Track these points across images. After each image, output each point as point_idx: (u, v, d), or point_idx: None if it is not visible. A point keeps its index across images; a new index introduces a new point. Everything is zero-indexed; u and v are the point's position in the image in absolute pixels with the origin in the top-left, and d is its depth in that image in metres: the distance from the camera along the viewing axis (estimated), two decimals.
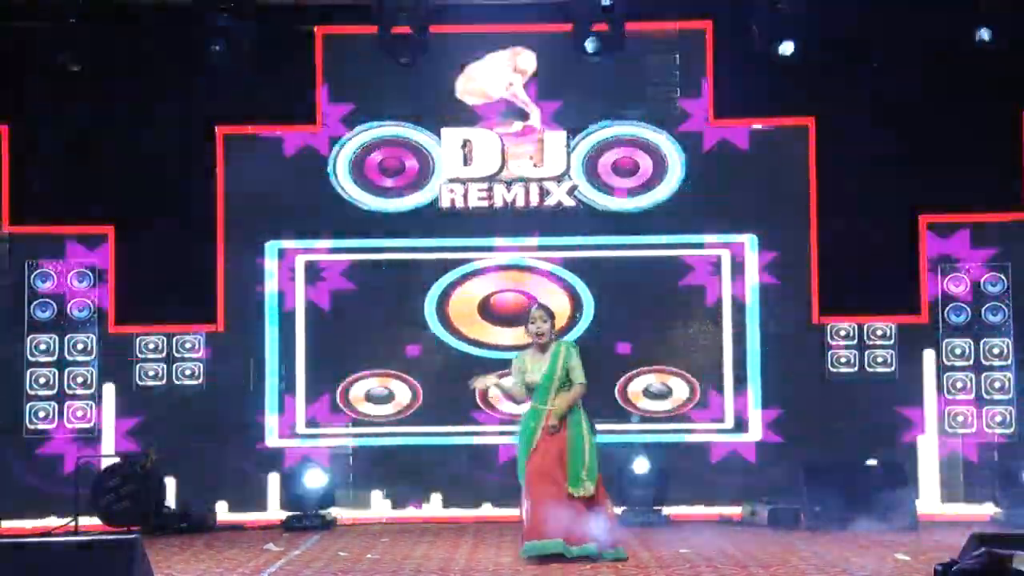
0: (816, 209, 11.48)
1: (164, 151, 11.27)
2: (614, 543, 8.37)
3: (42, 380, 11.43)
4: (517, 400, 8.76)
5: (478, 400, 11.36)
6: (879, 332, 11.44)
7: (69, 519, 10.71)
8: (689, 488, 11.30)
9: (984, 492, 11.06)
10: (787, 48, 10.87)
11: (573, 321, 11.50)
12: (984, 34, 10.60)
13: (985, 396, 11.35)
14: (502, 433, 11.21)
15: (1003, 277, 11.42)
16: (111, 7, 11.11)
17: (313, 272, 11.59)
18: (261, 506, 11.35)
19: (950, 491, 11.27)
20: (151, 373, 11.45)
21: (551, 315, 8.53)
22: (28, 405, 11.40)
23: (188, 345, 11.48)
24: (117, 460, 10.91)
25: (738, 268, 11.52)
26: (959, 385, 11.36)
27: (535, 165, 11.62)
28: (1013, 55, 10.81)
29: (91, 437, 11.36)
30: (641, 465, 10.90)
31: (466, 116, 11.65)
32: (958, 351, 11.39)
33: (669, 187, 11.62)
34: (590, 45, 10.93)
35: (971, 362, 11.39)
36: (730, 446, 11.43)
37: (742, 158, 11.58)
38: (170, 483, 11.04)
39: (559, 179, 11.62)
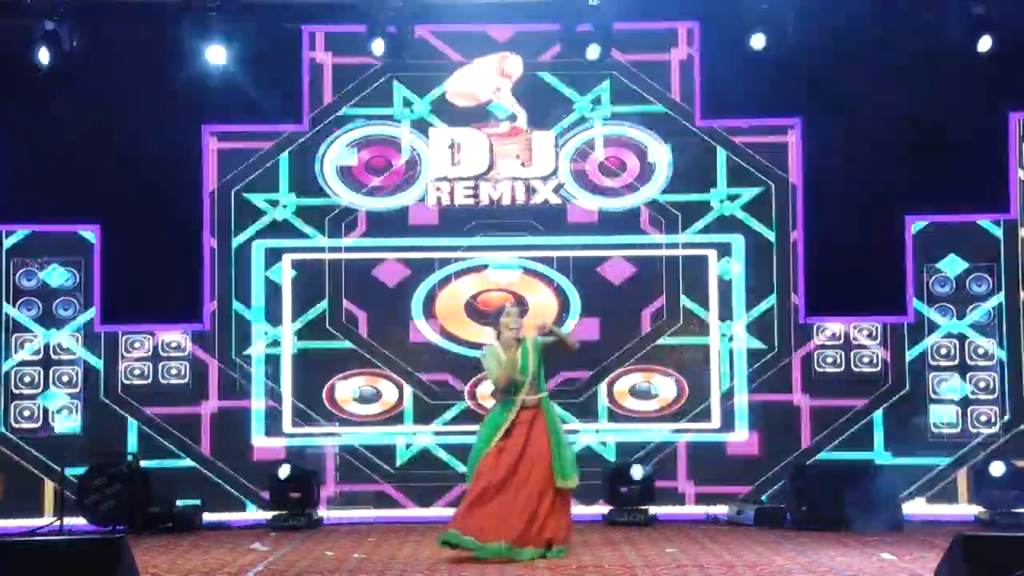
0: (803, 209, 11.51)
1: (151, 149, 11.21)
2: (564, 540, 8.53)
3: (27, 379, 11.40)
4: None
5: (466, 398, 11.37)
6: (865, 332, 11.47)
7: (54, 519, 10.67)
8: (676, 487, 11.32)
9: (969, 492, 11.09)
10: (759, 42, 10.88)
11: (560, 320, 11.50)
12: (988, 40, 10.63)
13: (970, 396, 11.39)
14: None
15: (988, 278, 11.46)
16: (99, 5, 11.06)
17: (300, 270, 11.58)
18: (247, 505, 11.33)
19: (935, 491, 11.30)
20: (136, 372, 11.43)
21: (521, 311, 8.88)
22: (12, 404, 11.37)
23: (174, 344, 11.47)
24: (103, 459, 10.87)
25: (725, 267, 11.53)
26: (944, 385, 11.40)
27: (523, 164, 11.64)
28: (1001, 57, 10.83)
29: (76, 436, 11.32)
30: (636, 472, 10.91)
31: (454, 116, 11.65)
32: (943, 351, 11.43)
33: (656, 186, 11.63)
34: (592, 52, 10.93)
35: (956, 362, 11.43)
36: (716, 446, 11.45)
37: (729, 158, 11.60)
38: (156, 482, 11.01)
39: (546, 178, 11.63)
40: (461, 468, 11.26)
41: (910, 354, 11.39)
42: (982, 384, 11.38)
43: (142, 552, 8.66)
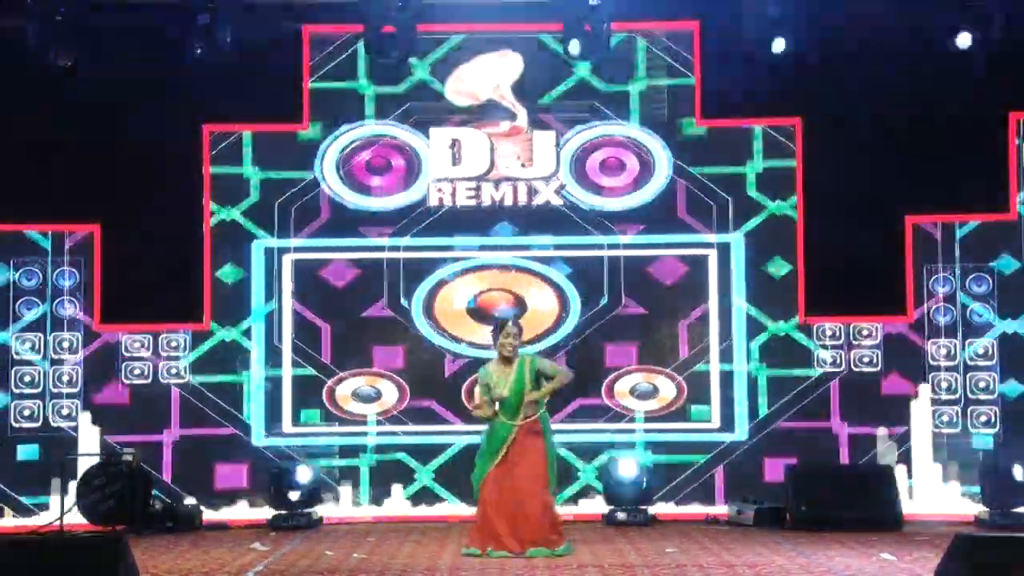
0: (803, 209, 11.51)
1: (150, 149, 11.20)
2: (562, 538, 8.81)
3: (27, 378, 11.40)
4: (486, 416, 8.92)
5: (464, 399, 11.36)
6: (865, 332, 11.47)
7: (55, 518, 10.67)
8: (675, 488, 11.32)
9: (968, 492, 11.10)
10: (777, 46, 10.88)
11: (560, 320, 11.51)
12: (969, 37, 10.62)
13: (970, 396, 11.39)
14: None
15: (988, 278, 11.46)
16: (98, 4, 11.06)
17: (299, 271, 11.58)
18: (247, 505, 11.33)
19: (935, 491, 11.30)
20: (137, 372, 11.43)
21: (521, 329, 9.05)
22: (13, 403, 11.37)
23: (174, 344, 11.47)
24: (103, 459, 10.88)
25: (725, 268, 11.54)
26: (944, 385, 11.40)
27: (523, 165, 11.63)
28: (999, 57, 10.83)
29: (77, 436, 11.33)
30: (628, 466, 10.91)
31: (454, 115, 11.65)
32: (943, 351, 11.43)
33: (656, 186, 11.63)
34: (574, 47, 10.92)
35: (956, 362, 11.43)
36: (716, 446, 11.44)
37: (729, 158, 11.60)
38: (156, 482, 11.02)
39: (547, 179, 11.63)
40: (461, 468, 11.30)
41: (910, 355, 11.41)
42: (982, 384, 11.39)
43: (142, 552, 8.65)
